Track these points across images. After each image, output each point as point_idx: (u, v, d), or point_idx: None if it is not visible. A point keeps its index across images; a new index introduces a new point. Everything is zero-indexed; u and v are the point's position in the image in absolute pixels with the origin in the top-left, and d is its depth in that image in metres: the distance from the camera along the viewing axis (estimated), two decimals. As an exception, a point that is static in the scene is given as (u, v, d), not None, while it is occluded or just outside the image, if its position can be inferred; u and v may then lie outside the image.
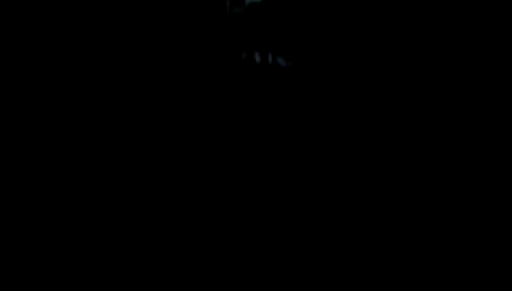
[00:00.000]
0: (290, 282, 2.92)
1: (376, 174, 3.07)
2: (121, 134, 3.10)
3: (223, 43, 3.45)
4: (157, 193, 3.05)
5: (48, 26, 3.17)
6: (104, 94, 3.18)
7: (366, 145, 3.16)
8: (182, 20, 3.43)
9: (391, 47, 3.32)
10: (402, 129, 3.17)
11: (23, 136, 3.00)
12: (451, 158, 3.06)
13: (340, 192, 3.06)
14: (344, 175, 3.10)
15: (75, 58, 3.21)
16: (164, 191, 3.06)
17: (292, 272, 2.95)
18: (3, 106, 3.00)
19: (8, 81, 3.05)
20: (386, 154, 3.11)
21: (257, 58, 3.43)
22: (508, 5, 3.08)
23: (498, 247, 2.89)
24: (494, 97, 3.09)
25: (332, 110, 3.33)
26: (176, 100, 3.29)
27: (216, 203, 3.08)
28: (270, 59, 3.43)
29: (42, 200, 2.95)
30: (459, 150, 3.07)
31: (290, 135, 3.31)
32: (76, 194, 2.98)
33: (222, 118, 3.32)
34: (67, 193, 2.97)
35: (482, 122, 3.07)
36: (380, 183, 3.06)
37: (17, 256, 2.84)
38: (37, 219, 2.92)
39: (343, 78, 3.37)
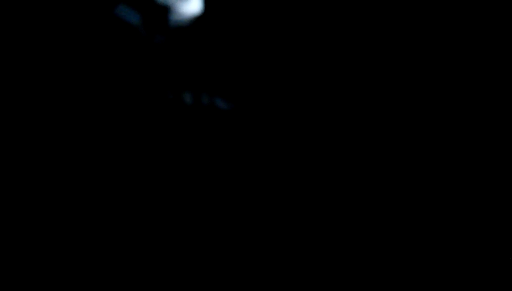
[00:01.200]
0: (290, 282, 2.69)
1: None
2: None
3: (140, 81, 2.63)
4: None
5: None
6: None
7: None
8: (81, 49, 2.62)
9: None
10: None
11: (23, 136, 2.72)
12: (452, 158, 2.82)
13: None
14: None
15: None
16: None
17: (292, 272, 2.70)
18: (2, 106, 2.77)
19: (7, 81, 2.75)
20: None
21: (188, 99, 2.63)
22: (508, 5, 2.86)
23: (498, 247, 2.75)
24: (494, 97, 2.85)
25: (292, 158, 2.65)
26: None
27: None
28: (205, 100, 2.63)
29: (42, 199, 2.70)
30: (459, 150, 2.82)
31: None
32: (74, 194, 2.71)
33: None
34: (66, 192, 2.71)
35: (482, 123, 2.83)
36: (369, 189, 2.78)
37: (16, 256, 2.65)
38: (37, 219, 2.69)
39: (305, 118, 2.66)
